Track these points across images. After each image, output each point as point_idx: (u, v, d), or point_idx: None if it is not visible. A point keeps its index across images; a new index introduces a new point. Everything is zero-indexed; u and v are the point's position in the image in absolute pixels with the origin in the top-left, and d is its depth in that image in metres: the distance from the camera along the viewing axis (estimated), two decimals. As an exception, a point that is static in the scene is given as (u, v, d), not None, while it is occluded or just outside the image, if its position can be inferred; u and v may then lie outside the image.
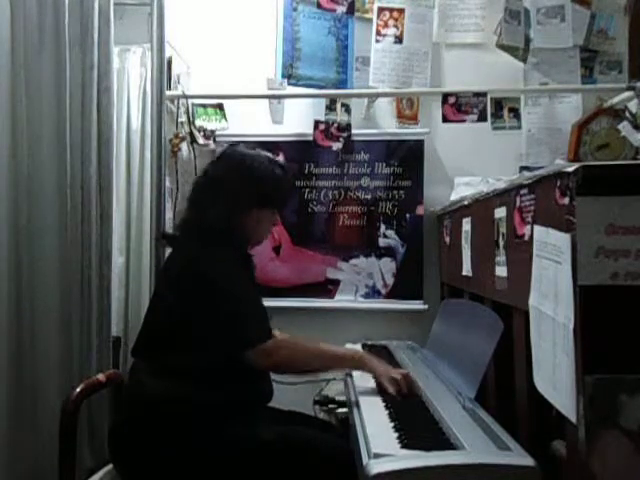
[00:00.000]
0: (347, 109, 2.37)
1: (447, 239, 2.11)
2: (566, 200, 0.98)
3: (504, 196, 1.37)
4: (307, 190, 2.45)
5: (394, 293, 2.40)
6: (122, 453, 1.44)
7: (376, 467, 1.00)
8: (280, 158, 2.41)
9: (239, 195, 1.49)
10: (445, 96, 2.20)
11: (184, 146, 2.42)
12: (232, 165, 1.56)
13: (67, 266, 1.87)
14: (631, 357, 0.93)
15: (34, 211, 1.85)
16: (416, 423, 1.21)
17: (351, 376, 1.62)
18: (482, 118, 2.20)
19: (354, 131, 2.37)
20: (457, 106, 2.19)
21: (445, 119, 2.21)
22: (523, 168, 2.18)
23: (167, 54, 2.14)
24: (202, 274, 1.43)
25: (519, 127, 2.28)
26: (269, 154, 1.60)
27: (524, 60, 2.28)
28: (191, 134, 2.38)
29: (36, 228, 1.85)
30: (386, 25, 2.29)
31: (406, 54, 2.28)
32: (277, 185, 1.55)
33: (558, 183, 1.01)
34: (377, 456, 1.03)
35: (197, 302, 1.41)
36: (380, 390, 1.45)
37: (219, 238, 1.47)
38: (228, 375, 1.41)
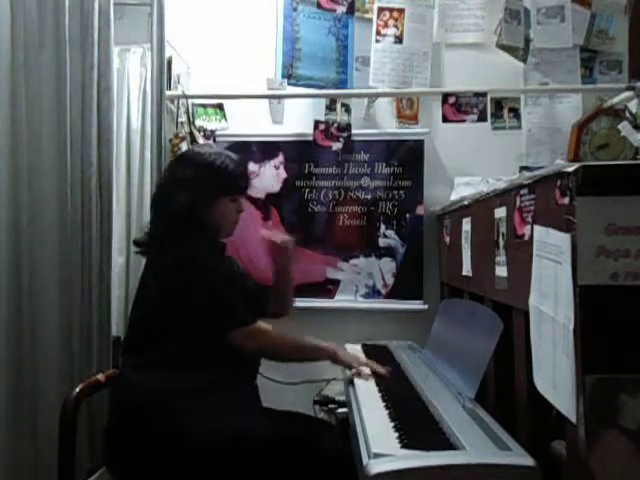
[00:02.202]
0: (347, 109, 2.36)
1: (447, 239, 2.11)
2: (566, 200, 0.98)
3: (504, 196, 1.37)
4: (307, 190, 2.45)
5: (394, 293, 2.39)
6: (115, 457, 1.45)
7: (376, 467, 1.00)
8: (281, 158, 2.44)
9: (199, 188, 1.56)
10: (445, 96, 2.20)
11: (184, 146, 2.42)
12: (188, 162, 1.64)
13: (67, 266, 1.87)
14: (631, 357, 0.93)
15: (34, 211, 1.85)
16: (416, 423, 1.21)
17: (351, 376, 1.62)
18: (482, 118, 2.19)
19: (354, 131, 2.37)
20: (457, 106, 2.19)
21: (445, 119, 2.21)
22: (523, 168, 2.18)
23: (167, 54, 2.14)
24: (183, 260, 1.47)
25: (519, 127, 2.28)
26: (220, 149, 1.70)
27: (524, 60, 2.28)
28: (191, 134, 2.37)
29: (36, 228, 1.84)
30: (386, 25, 2.29)
31: (406, 54, 2.28)
32: (231, 172, 1.61)
33: (558, 183, 1.01)
34: (377, 456, 1.03)
35: (181, 288, 1.45)
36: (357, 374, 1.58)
37: (190, 231, 1.52)
38: (211, 362, 1.45)
